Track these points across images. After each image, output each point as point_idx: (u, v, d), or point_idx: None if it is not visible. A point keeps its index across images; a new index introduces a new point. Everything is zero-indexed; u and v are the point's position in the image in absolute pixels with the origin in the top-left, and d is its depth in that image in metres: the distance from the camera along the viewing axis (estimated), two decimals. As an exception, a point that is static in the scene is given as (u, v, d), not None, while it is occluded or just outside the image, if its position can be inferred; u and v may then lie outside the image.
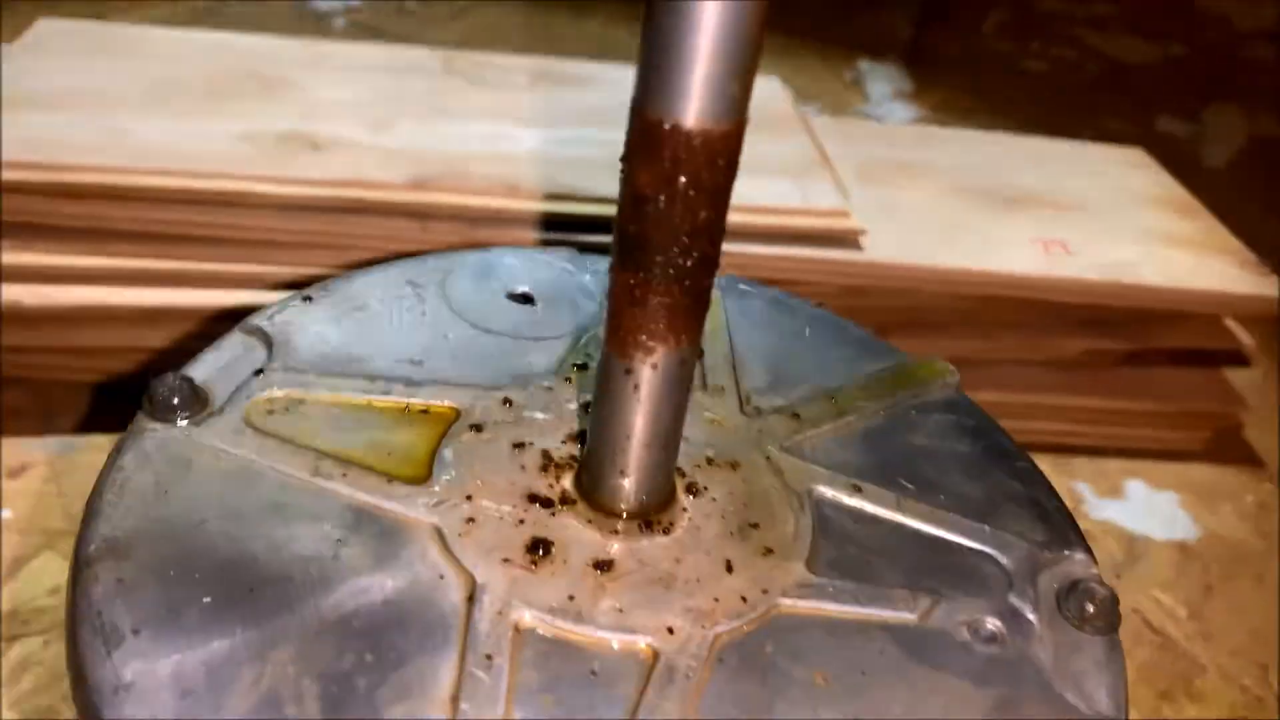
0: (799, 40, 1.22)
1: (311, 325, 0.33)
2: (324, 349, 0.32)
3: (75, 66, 0.68)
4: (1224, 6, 1.36)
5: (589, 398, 0.32)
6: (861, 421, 0.33)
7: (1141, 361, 0.72)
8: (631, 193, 0.23)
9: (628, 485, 0.27)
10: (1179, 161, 1.07)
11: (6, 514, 0.57)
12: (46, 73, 0.66)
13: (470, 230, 0.62)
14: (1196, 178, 1.04)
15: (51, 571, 0.54)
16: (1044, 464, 0.69)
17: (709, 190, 0.23)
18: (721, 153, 0.23)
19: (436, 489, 0.28)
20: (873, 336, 0.37)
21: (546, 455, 0.29)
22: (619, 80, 0.76)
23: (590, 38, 1.16)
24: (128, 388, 0.64)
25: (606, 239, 0.62)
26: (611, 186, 0.62)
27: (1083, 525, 0.65)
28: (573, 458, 0.29)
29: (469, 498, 0.27)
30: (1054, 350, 0.70)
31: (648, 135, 0.22)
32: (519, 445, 0.29)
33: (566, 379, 0.32)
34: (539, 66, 0.76)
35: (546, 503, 0.28)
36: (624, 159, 0.24)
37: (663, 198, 0.23)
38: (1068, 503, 0.67)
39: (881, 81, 1.12)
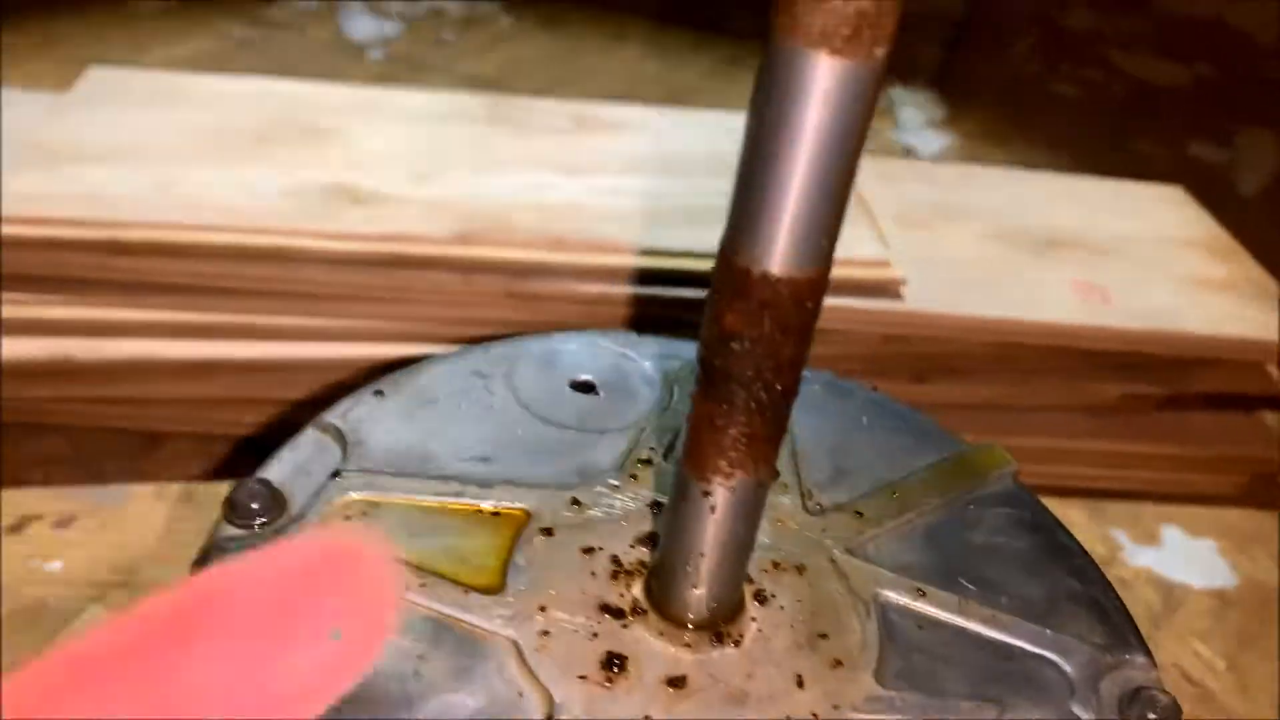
0: (828, 66, 1.22)
1: (384, 422, 0.33)
2: (397, 448, 0.33)
3: (125, 117, 0.69)
4: (1253, 25, 1.36)
5: (655, 497, 0.32)
6: (922, 518, 0.33)
7: (1178, 406, 0.72)
8: (718, 331, 0.24)
9: (699, 598, 0.28)
10: (1212, 189, 1.07)
11: (55, 566, 0.58)
12: (97, 124, 0.67)
13: (513, 282, 0.62)
14: (1230, 205, 1.04)
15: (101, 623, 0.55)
16: (1080, 510, 0.70)
17: (795, 330, 0.24)
18: (808, 297, 0.23)
19: (511, 599, 0.28)
20: (929, 422, 0.37)
21: (616, 561, 0.30)
22: (656, 126, 0.77)
23: (622, 70, 1.16)
24: (172, 437, 0.66)
25: (644, 291, 0.63)
26: (651, 238, 0.62)
27: (1120, 573, 0.66)
28: (641, 563, 0.30)
29: (543, 609, 0.28)
30: (1090, 395, 0.71)
31: (736, 280, 0.23)
32: (588, 550, 0.30)
33: (632, 475, 0.33)
34: (579, 112, 0.77)
35: (618, 613, 0.28)
36: (710, 296, 0.24)
37: (749, 338, 0.23)
38: (1104, 550, 0.67)
39: (913, 108, 1.12)
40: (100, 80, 0.73)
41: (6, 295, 0.61)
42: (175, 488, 0.63)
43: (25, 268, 0.61)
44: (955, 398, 0.70)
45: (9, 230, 0.59)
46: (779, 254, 0.22)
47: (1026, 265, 0.70)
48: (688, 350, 0.39)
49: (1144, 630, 0.63)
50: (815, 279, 0.23)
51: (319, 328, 0.63)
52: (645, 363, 0.38)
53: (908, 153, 1.05)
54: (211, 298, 0.62)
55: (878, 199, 0.73)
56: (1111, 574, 0.65)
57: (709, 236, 0.61)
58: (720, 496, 0.26)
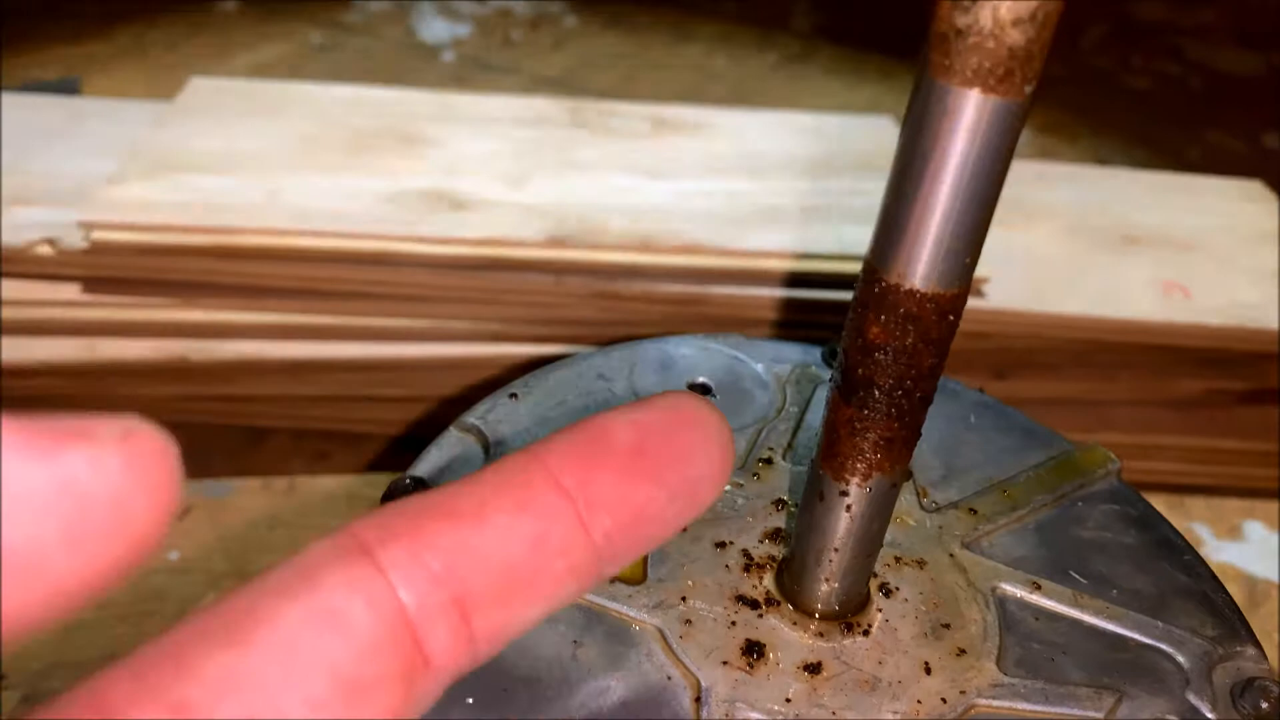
0: (897, 62, 1.23)
1: (521, 422, 0.36)
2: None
3: (227, 126, 0.72)
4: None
5: (777, 494, 0.34)
6: (1033, 515, 0.35)
7: (1261, 400, 0.72)
8: (862, 341, 0.26)
9: (831, 590, 0.29)
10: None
11: (174, 556, 0.61)
12: (203, 134, 0.71)
13: (602, 283, 0.64)
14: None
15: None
16: (1160, 504, 0.71)
17: (936, 341, 0.25)
18: (951, 311, 0.25)
19: (654, 590, 0.30)
20: (1033, 423, 0.39)
21: (747, 555, 0.32)
22: (732, 127, 0.78)
23: (689, 68, 1.18)
24: (275, 433, 0.69)
25: (730, 290, 0.65)
26: (734, 239, 0.64)
27: (1203, 567, 0.66)
28: (771, 557, 0.32)
29: (684, 599, 0.30)
30: (1171, 390, 0.71)
31: (883, 294, 0.25)
32: (720, 545, 0.32)
33: (754, 475, 0.35)
34: (657, 114, 0.79)
35: (754, 604, 0.30)
36: (853, 308, 0.26)
37: (892, 348, 0.25)
38: (1187, 544, 0.68)
39: (980, 104, 1.12)
40: (202, 90, 0.77)
41: (124, 299, 0.64)
42: (280, 481, 0.66)
43: (141, 273, 0.64)
44: (1037, 393, 0.71)
45: (126, 237, 0.62)
46: (924, 272, 0.24)
47: (1106, 261, 0.71)
48: (794, 354, 0.41)
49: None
50: (958, 294, 0.25)
51: (418, 328, 0.66)
52: (757, 365, 0.40)
53: (978, 147, 1.06)
54: (317, 300, 0.64)
55: (956, 197, 0.74)
56: (1193, 568, 0.66)
57: (789, 237, 0.64)
58: (856, 496, 0.28)
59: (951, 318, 0.25)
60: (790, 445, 0.36)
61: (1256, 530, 0.70)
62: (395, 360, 0.66)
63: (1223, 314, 0.67)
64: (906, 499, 0.35)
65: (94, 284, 0.64)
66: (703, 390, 0.39)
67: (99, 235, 0.62)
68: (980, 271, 0.67)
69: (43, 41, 1.11)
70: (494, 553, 0.16)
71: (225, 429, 0.69)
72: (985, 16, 0.21)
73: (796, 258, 0.65)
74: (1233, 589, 0.67)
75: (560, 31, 1.24)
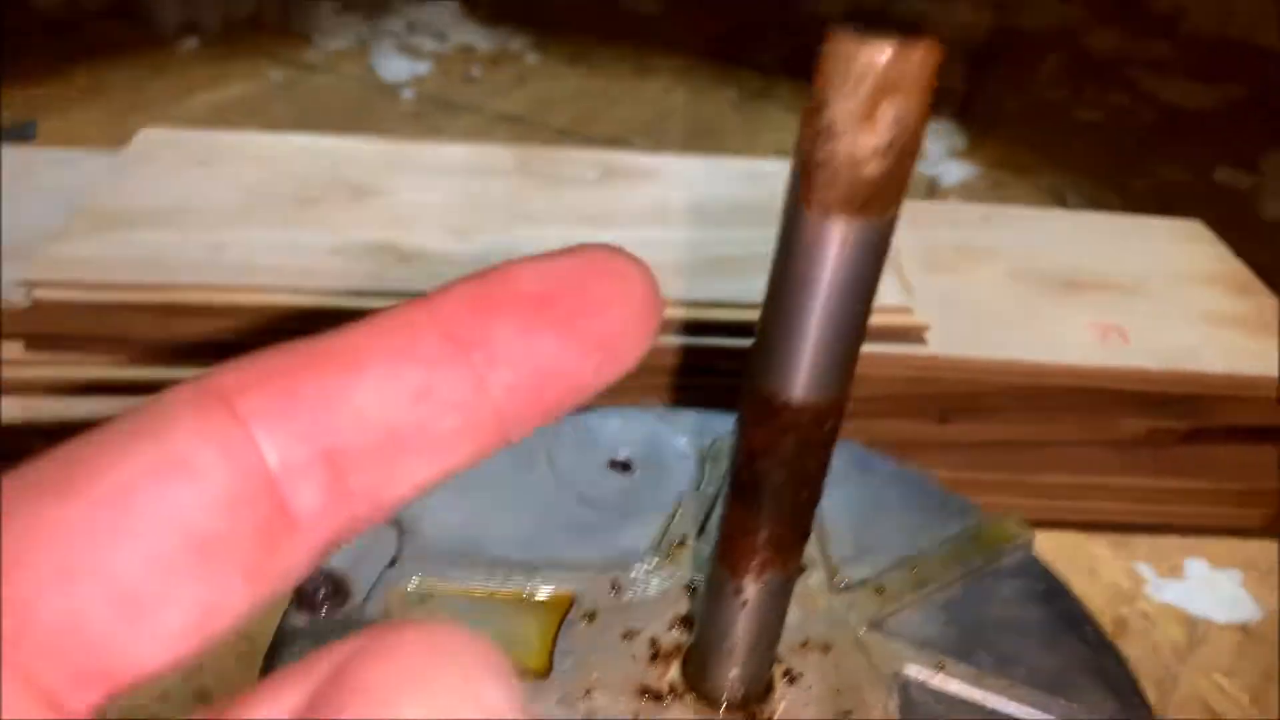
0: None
1: (436, 507, 0.36)
2: (448, 534, 0.35)
3: (176, 179, 0.72)
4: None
5: (690, 577, 0.35)
6: (941, 592, 0.35)
7: (1202, 439, 0.73)
8: (747, 447, 0.26)
9: (733, 680, 0.30)
10: (1238, 215, 1.08)
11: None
12: (150, 188, 0.71)
13: (549, 334, 0.65)
14: (1256, 231, 1.05)
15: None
16: (1104, 544, 0.71)
17: (816, 446, 0.26)
18: (828, 418, 0.25)
19: (558, 684, 0.31)
20: (950, 494, 0.40)
21: (654, 644, 0.32)
22: (682, 174, 0.79)
23: (649, 105, 1.19)
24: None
25: (676, 341, 0.65)
26: (682, 289, 0.64)
27: (1144, 608, 0.67)
28: (678, 645, 0.32)
29: (588, 692, 0.30)
30: (1114, 431, 0.72)
31: (762, 406, 0.25)
32: (628, 635, 0.32)
33: (668, 557, 0.35)
34: (606, 160, 0.79)
35: (657, 696, 0.31)
36: (738, 416, 0.26)
37: (775, 455, 0.26)
38: (1128, 584, 0.69)
39: (936, 139, 1.14)
40: (150, 141, 0.77)
41: (68, 357, 0.64)
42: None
43: (84, 330, 0.64)
44: (981, 436, 0.71)
45: (69, 295, 0.62)
46: (800, 384, 0.25)
47: (1047, 306, 0.72)
48: (719, 424, 0.42)
49: (1168, 665, 0.65)
50: (834, 402, 0.25)
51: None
52: (680, 438, 0.41)
53: (932, 184, 1.07)
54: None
55: (902, 242, 0.75)
56: (1135, 608, 0.67)
57: (736, 286, 0.65)
58: (751, 591, 0.28)
59: (829, 424, 0.26)
60: (704, 525, 0.37)
61: (1198, 569, 0.71)
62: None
63: (1159, 357, 0.68)
64: (817, 578, 0.35)
65: (37, 341, 0.64)
66: (623, 467, 0.39)
67: (41, 294, 0.62)
68: (921, 318, 0.68)
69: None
70: (371, 404, 0.14)
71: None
72: (843, 150, 0.21)
73: (741, 308, 0.66)
74: (1173, 629, 0.68)
75: (521, 68, 1.25)
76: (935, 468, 0.71)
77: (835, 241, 0.22)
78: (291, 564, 0.14)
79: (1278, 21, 1.37)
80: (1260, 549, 0.73)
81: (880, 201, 0.22)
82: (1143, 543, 0.72)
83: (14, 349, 0.64)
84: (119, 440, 0.13)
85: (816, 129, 0.21)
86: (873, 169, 0.21)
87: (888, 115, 0.20)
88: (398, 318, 0.15)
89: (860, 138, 0.21)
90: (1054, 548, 0.71)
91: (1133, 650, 0.65)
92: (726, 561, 0.28)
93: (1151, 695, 0.62)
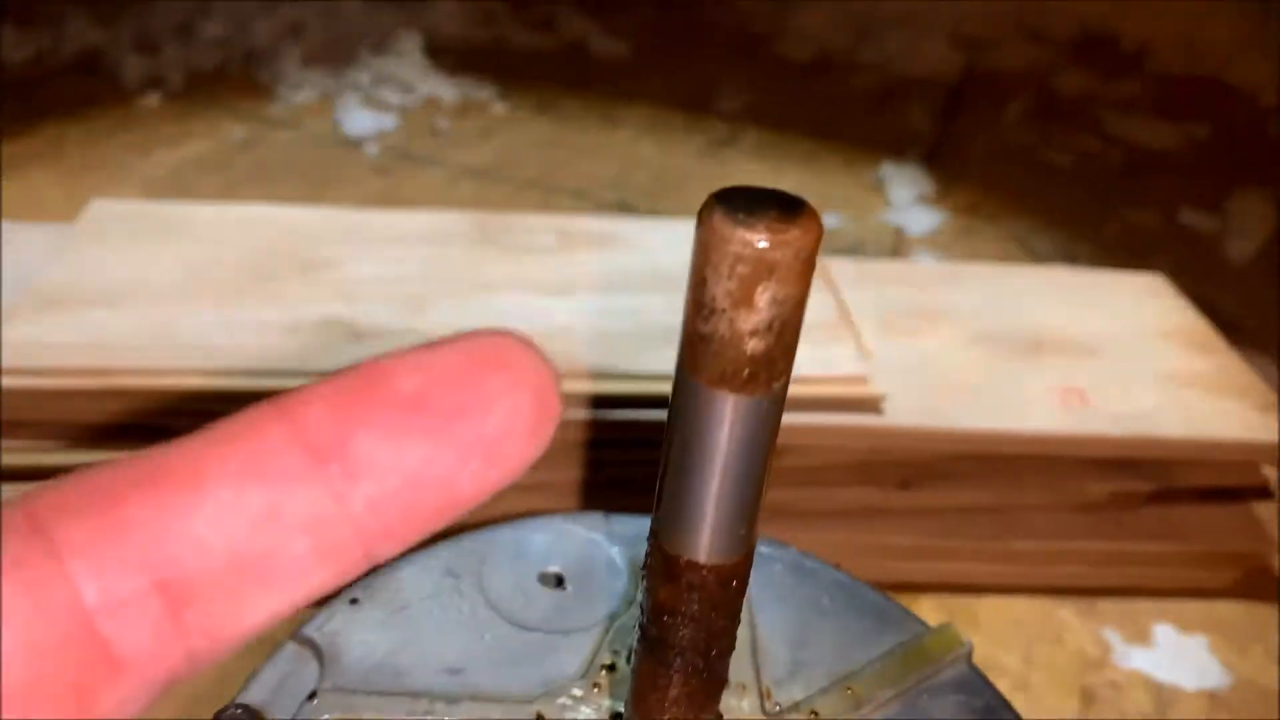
0: (821, 141, 1.24)
1: (358, 633, 0.35)
2: (371, 661, 0.34)
3: (126, 255, 0.71)
4: (1253, 83, 1.37)
5: (616, 708, 0.34)
6: (878, 711, 0.34)
7: (1167, 500, 0.73)
8: (653, 603, 0.25)
9: (654, 831, 0.29)
10: (1203, 258, 1.08)
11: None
12: (98, 264, 0.70)
13: (503, 410, 0.64)
14: (1221, 275, 1.05)
15: None
16: (1071, 609, 0.71)
17: (722, 605, 0.25)
18: (732, 578, 0.25)
19: (475, 829, 0.30)
20: (888, 603, 0.39)
21: (578, 784, 0.31)
22: (639, 239, 0.79)
23: (615, 155, 1.18)
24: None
25: (633, 415, 0.65)
26: (634, 361, 0.63)
27: (1112, 676, 0.66)
28: (602, 787, 0.31)
29: (506, 841, 0.29)
30: (1078, 495, 0.71)
31: (667, 565, 0.25)
32: (550, 772, 0.31)
33: (595, 685, 0.34)
34: (565, 226, 0.79)
35: (578, 843, 0.30)
36: (644, 573, 0.26)
37: (681, 613, 0.25)
38: (1095, 651, 0.68)
39: (904, 185, 1.14)
40: (100, 215, 0.76)
41: (19, 444, 0.63)
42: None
43: (34, 415, 0.63)
44: (944, 502, 0.71)
45: (13, 382, 0.61)
46: (702, 546, 0.24)
47: (1008, 369, 0.71)
48: (655, 529, 0.41)
49: (1137, 736, 0.63)
50: (737, 563, 0.24)
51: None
52: (613, 549, 0.40)
53: (899, 232, 1.07)
54: (210, 437, 0.63)
55: (859, 304, 0.74)
56: (1103, 676, 0.67)
57: None
58: (666, 744, 0.27)
59: (735, 583, 0.25)
60: (632, 649, 0.36)
61: (1166, 634, 0.70)
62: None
63: (1120, 422, 0.67)
64: (748, 704, 0.34)
65: (-11, 428, 0.63)
66: (556, 581, 0.38)
67: (-12, 381, 0.61)
68: (879, 385, 0.67)
69: (-43, 143, 1.10)
70: (211, 532, 0.13)
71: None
72: (724, 327, 0.21)
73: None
74: (1140, 696, 0.67)
75: (488, 119, 1.25)
76: (897, 534, 0.71)
77: (724, 413, 0.22)
78: (121, 705, 0.13)
79: (1244, 57, 1.38)
80: (1228, 610, 0.72)
81: (764, 376, 0.21)
82: (1110, 607, 0.71)
83: (-45, 435, 0.63)
84: None
85: (698, 305, 0.21)
86: (753, 346, 0.21)
87: (766, 297, 0.20)
88: (247, 426, 0.15)
89: (739, 317, 0.20)
90: (1020, 614, 0.70)
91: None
92: (640, 711, 0.27)
93: (1120, 767, 0.61)
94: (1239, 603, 0.73)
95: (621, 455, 0.66)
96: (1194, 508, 0.73)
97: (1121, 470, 0.71)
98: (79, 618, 0.13)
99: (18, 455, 0.63)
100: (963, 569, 0.70)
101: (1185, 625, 0.71)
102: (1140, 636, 0.70)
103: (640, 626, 0.26)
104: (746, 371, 0.21)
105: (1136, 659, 0.68)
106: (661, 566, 0.25)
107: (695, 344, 0.21)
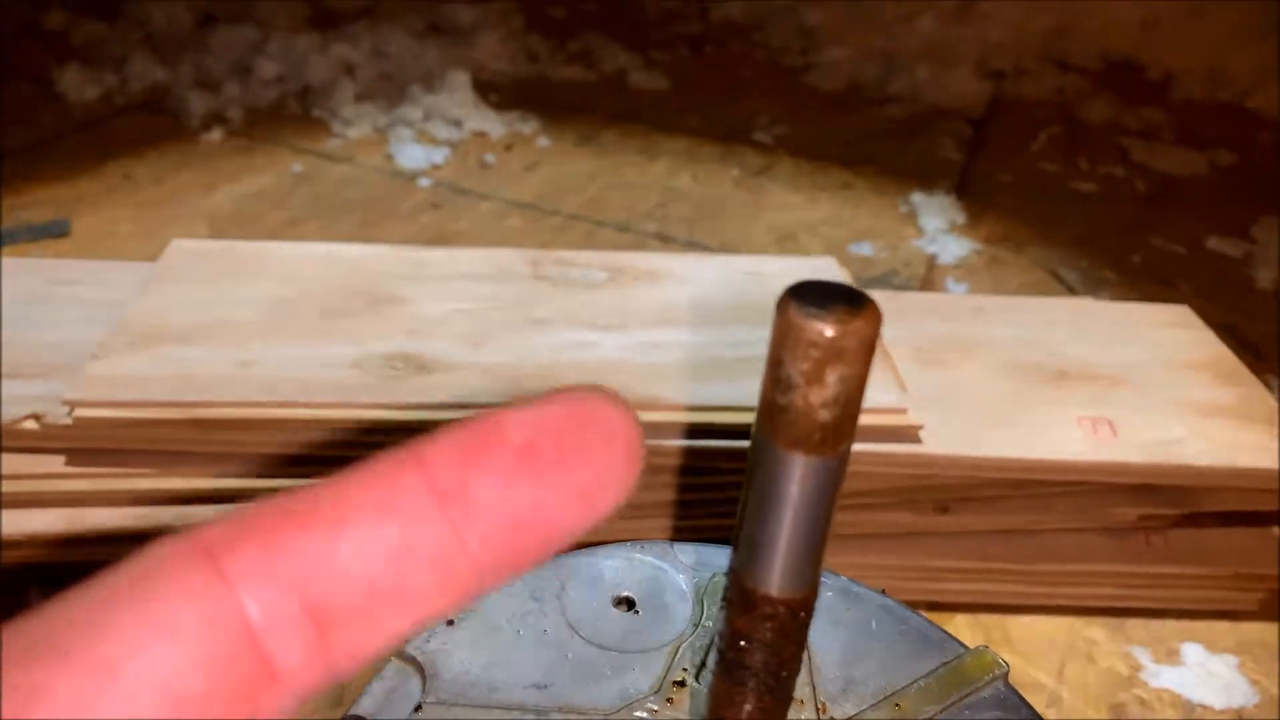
0: (853, 171, 1.28)
1: (456, 652, 0.39)
2: (468, 678, 0.38)
3: (206, 292, 0.76)
4: (1278, 109, 1.39)
5: (689, 719, 0.38)
6: (922, 727, 0.38)
7: (1194, 524, 0.76)
8: (731, 630, 0.29)
9: (726, 828, 0.33)
10: (1230, 285, 1.10)
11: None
12: (180, 303, 0.75)
13: (560, 440, 0.68)
14: (1247, 301, 1.07)
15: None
16: (1101, 629, 0.74)
17: (792, 633, 0.29)
18: (800, 609, 0.29)
19: (567, 828, 0.34)
20: (931, 626, 0.42)
21: (654, 789, 0.35)
22: (686, 273, 0.83)
23: (655, 186, 1.23)
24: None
25: (683, 443, 0.69)
26: (681, 393, 0.67)
27: (1141, 694, 0.69)
28: (677, 791, 0.35)
29: (594, 837, 0.33)
30: (1107, 518, 0.75)
31: (744, 596, 0.29)
32: (628, 779, 0.35)
33: (668, 699, 0.38)
34: (615, 263, 0.83)
35: (658, 841, 0.34)
36: (723, 602, 0.30)
37: (755, 639, 0.29)
38: (1125, 669, 0.71)
39: (934, 215, 1.17)
40: (180, 254, 0.81)
41: (106, 470, 0.68)
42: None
43: (122, 444, 0.68)
44: (979, 525, 0.74)
45: (107, 413, 0.66)
46: (775, 581, 0.28)
47: (1038, 398, 0.75)
48: (717, 558, 0.45)
49: (1166, 753, 0.66)
50: (805, 596, 0.28)
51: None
52: (679, 576, 0.44)
53: (931, 261, 1.10)
54: (292, 465, 0.68)
55: (895, 337, 0.78)
56: (1133, 694, 0.70)
57: (739, 389, 0.69)
58: (739, 755, 0.31)
59: (803, 614, 0.29)
60: (704, 665, 0.40)
61: (1195, 653, 0.73)
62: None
63: (1146, 451, 0.70)
64: (806, 716, 0.38)
65: (77, 455, 0.68)
66: (627, 604, 0.42)
67: (81, 412, 0.66)
68: (916, 417, 0.71)
69: (35, 180, 1.16)
70: (353, 562, 0.15)
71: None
72: (799, 400, 0.25)
73: (743, 410, 0.69)
74: (1170, 714, 0.70)
75: (533, 152, 1.30)
76: (935, 556, 0.74)
77: (796, 472, 0.26)
78: (273, 715, 0.15)
79: (1267, 85, 1.40)
80: (1257, 631, 0.75)
81: (831, 442, 0.25)
82: (1139, 627, 0.74)
83: (55, 463, 0.68)
84: (109, 601, 0.14)
85: (775, 379, 0.25)
86: (822, 417, 0.25)
87: (834, 376, 0.24)
88: (385, 470, 0.17)
89: (811, 393, 0.24)
90: (1052, 633, 0.73)
91: (1130, 736, 0.67)
92: (716, 726, 0.31)
93: (1149, 781, 0.64)
94: (1266, 624, 0.75)
95: (674, 480, 0.70)
96: (1220, 531, 0.76)
97: (1148, 495, 0.74)
98: (247, 634, 0.14)
99: (111, 481, 0.68)
100: (997, 589, 0.73)
101: (1213, 645, 0.74)
102: (1169, 656, 0.73)
103: (719, 651, 0.30)
104: (817, 437, 0.25)
105: (1166, 677, 0.71)
106: (740, 599, 0.29)
107: (773, 413, 0.25)
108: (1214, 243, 1.16)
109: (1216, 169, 1.32)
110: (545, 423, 0.17)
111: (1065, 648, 0.73)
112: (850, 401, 0.25)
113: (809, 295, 0.24)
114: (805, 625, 0.29)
